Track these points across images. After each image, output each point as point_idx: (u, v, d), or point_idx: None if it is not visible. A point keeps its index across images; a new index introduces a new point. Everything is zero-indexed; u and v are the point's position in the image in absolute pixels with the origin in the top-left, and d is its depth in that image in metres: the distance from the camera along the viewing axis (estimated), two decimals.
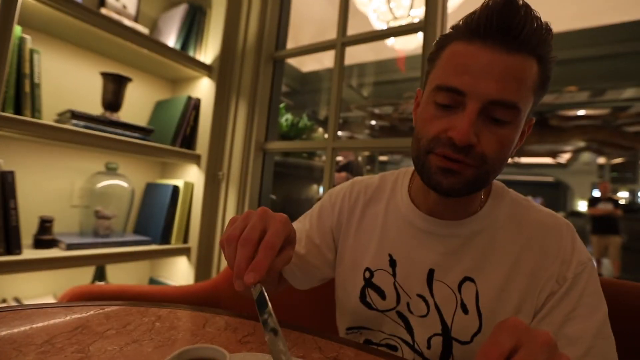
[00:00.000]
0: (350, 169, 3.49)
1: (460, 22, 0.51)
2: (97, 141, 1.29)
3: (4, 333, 0.45)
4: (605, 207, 5.04)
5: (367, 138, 8.37)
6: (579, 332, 0.49)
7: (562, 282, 0.52)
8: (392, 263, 0.61)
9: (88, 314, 0.54)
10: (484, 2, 0.48)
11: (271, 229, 0.43)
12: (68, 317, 0.52)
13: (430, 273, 0.58)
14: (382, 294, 0.61)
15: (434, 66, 0.55)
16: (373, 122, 8.69)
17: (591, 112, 7.81)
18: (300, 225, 0.73)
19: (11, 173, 1.18)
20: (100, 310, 0.56)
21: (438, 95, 0.51)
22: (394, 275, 0.61)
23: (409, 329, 0.59)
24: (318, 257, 0.69)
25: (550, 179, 12.51)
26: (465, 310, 0.55)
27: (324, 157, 1.62)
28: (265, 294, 0.39)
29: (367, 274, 0.63)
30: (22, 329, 0.47)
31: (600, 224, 5.07)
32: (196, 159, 1.60)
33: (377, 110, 7.96)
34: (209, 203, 1.61)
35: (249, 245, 0.41)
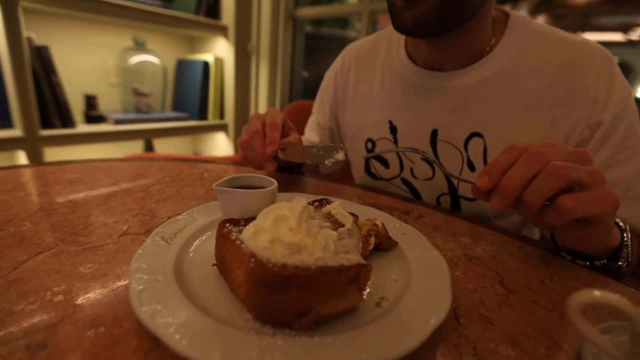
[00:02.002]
0: None
1: None
2: (118, 10, 1.22)
3: (75, 177, 0.51)
4: None
5: None
6: (616, 178, 0.45)
7: (597, 127, 0.45)
8: (393, 130, 0.58)
9: (144, 166, 0.59)
10: None
11: (268, 117, 0.51)
12: (127, 168, 0.57)
13: (434, 134, 0.54)
14: (385, 163, 0.60)
15: None
16: None
17: None
18: (312, 116, 0.75)
19: (46, 48, 1.18)
20: (154, 164, 0.61)
21: None
22: (395, 142, 0.58)
23: (415, 193, 0.59)
24: (329, 139, 0.71)
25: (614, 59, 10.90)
26: (471, 167, 0.52)
27: (358, 27, 1.46)
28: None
29: (370, 145, 0.61)
30: (91, 175, 0.52)
31: None
32: (223, 31, 1.50)
33: None
34: (241, 79, 1.58)
35: (258, 136, 0.49)
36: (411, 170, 0.58)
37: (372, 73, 0.62)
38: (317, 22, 1.70)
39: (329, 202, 0.32)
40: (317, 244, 0.22)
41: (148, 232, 0.34)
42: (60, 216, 0.37)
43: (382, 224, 0.32)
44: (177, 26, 1.39)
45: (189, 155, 1.00)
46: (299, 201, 0.24)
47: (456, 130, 0.52)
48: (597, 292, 0.20)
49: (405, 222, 0.41)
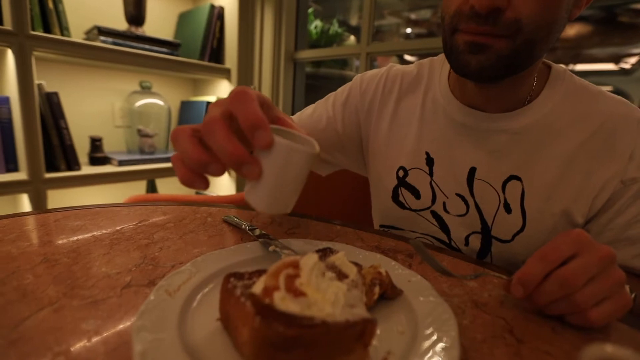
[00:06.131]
0: None
1: None
2: (127, 58, 1.28)
3: (79, 225, 0.51)
4: None
5: None
6: None
7: (631, 183, 0.47)
8: (430, 161, 0.57)
9: (148, 211, 0.60)
10: None
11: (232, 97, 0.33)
12: (131, 214, 0.58)
13: (472, 172, 0.53)
14: (416, 194, 0.58)
15: None
16: (408, 30, 7.93)
17: None
18: (322, 108, 0.67)
19: (55, 94, 1.23)
20: (158, 209, 0.61)
21: None
22: (430, 174, 0.57)
23: (444, 228, 0.57)
24: (336, 144, 0.66)
25: (608, 88, 11.26)
26: (508, 209, 0.52)
27: (357, 67, 1.52)
28: None
29: (401, 173, 0.59)
30: (94, 221, 0.53)
31: None
32: (226, 73, 1.57)
33: (413, 16, 7.18)
34: None
35: (217, 125, 0.32)
36: (444, 204, 0.56)
37: (414, 99, 0.60)
38: (317, 62, 1.77)
39: (332, 252, 0.32)
40: (327, 298, 0.22)
41: (151, 283, 0.34)
42: (63, 267, 0.37)
43: (387, 272, 0.31)
44: (182, 71, 1.45)
45: (191, 197, 1.01)
46: (310, 257, 0.24)
47: (495, 171, 0.52)
48: (609, 347, 0.20)
49: (410, 266, 0.41)
